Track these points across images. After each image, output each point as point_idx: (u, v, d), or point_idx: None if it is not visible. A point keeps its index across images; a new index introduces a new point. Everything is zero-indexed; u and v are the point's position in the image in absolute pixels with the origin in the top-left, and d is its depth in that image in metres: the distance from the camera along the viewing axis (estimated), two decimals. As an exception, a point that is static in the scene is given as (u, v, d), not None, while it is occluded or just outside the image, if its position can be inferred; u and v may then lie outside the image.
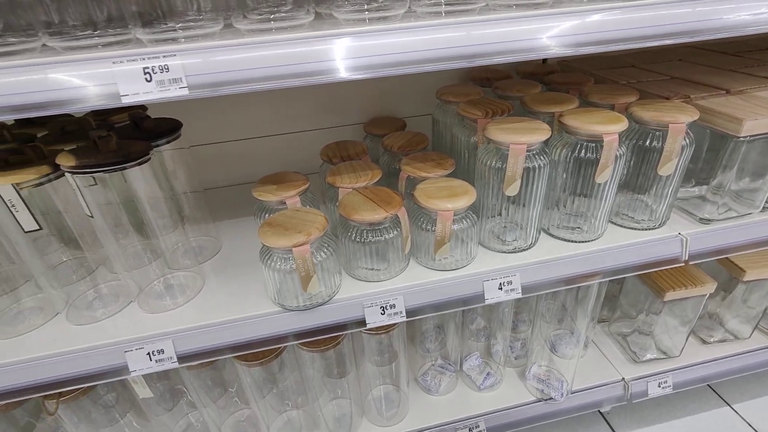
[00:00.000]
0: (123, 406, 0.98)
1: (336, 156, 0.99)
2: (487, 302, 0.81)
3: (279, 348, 0.85)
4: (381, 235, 0.77)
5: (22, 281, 0.82)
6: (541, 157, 0.78)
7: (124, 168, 0.62)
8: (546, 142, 0.79)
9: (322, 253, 0.73)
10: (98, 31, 0.55)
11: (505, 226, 0.88)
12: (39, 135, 0.79)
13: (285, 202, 0.84)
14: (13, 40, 0.54)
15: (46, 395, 0.78)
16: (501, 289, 0.81)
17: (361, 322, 0.78)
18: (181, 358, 0.73)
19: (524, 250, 0.86)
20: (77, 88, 0.48)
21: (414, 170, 0.88)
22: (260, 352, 0.82)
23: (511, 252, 0.86)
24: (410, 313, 0.79)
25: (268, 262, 0.72)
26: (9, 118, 0.48)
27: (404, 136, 1.04)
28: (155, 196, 0.77)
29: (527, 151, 0.75)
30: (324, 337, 0.81)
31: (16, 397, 0.71)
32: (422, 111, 1.28)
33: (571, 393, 1.10)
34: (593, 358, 1.21)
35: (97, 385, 0.82)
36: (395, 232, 0.78)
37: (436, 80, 1.20)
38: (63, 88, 0.48)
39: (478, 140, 0.88)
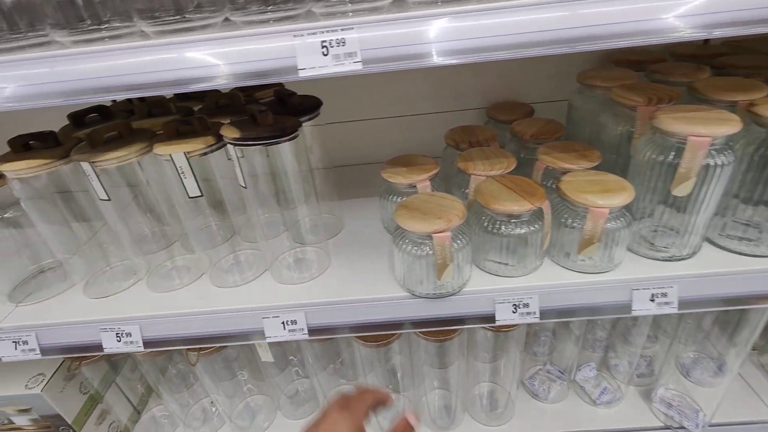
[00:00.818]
0: (241, 363, 1.06)
1: (463, 141, 0.94)
2: (633, 313, 0.72)
3: (397, 332, 0.84)
4: (519, 228, 0.72)
5: (173, 240, 0.90)
6: (724, 154, 0.66)
7: (282, 141, 0.63)
8: (731, 136, 0.67)
9: (458, 242, 0.69)
10: (270, 6, 0.55)
11: (655, 230, 0.77)
12: (196, 108, 0.85)
13: (415, 186, 0.82)
14: (196, 16, 0.56)
15: (189, 348, 0.86)
16: (653, 300, 0.72)
17: (490, 318, 0.74)
18: (311, 331, 0.75)
19: (682, 259, 0.75)
20: (261, 60, 0.49)
21: (554, 160, 0.80)
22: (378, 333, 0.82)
23: (666, 260, 0.75)
24: (544, 314, 0.73)
25: (402, 245, 0.71)
26: (223, 86, 0.51)
27: (536, 123, 0.97)
28: (293, 170, 0.79)
29: (710, 146, 0.64)
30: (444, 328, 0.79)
31: (165, 346, 0.79)
32: (551, 96, 1.17)
33: (709, 426, 0.96)
34: (736, 389, 1.04)
35: (232, 345, 0.88)
36: (535, 226, 0.72)
37: (566, 63, 1.09)
38: (248, 61, 0.50)
39: (637, 130, 0.77)
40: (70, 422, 0.93)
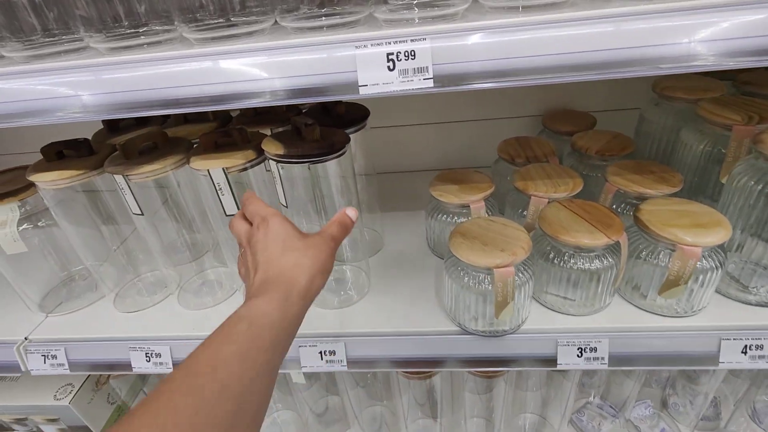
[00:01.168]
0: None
1: (519, 155, 0.85)
2: (721, 366, 0.63)
3: (443, 370, 0.77)
4: (590, 263, 0.63)
5: (205, 251, 0.86)
6: None
7: (330, 159, 0.57)
8: None
9: (521, 276, 0.61)
10: (325, 9, 0.48)
11: (752, 269, 0.67)
12: (234, 114, 0.80)
13: (468, 206, 0.75)
14: (241, 20, 0.50)
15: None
16: (745, 353, 0.62)
17: (551, 362, 0.66)
18: (350, 363, 0.69)
19: (780, 305, 0.65)
20: (314, 74, 0.43)
21: (628, 183, 0.71)
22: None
23: (759, 305, 0.65)
24: (614, 360, 0.64)
25: (455, 275, 0.63)
26: (269, 103, 0.44)
27: (601, 137, 0.87)
28: (336, 182, 0.72)
29: (835, 178, 0.53)
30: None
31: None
32: (614, 104, 1.07)
33: (787, 484, 0.85)
34: (817, 442, 0.93)
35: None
36: (609, 261, 0.63)
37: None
38: (298, 75, 0.43)
39: (731, 152, 0.67)
40: (97, 433, 0.91)
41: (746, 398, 0.91)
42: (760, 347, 0.61)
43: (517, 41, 0.40)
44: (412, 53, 0.41)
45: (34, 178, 0.63)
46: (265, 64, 0.44)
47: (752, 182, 0.60)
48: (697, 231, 0.59)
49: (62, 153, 0.67)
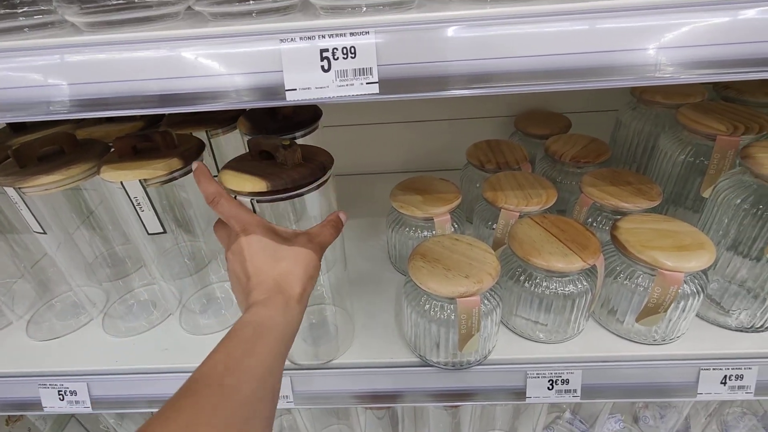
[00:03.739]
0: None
1: (490, 161, 0.79)
2: (699, 398, 0.58)
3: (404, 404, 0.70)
4: (563, 287, 0.57)
5: (138, 266, 0.75)
6: (840, 209, 0.51)
7: (313, 190, 0.48)
8: None
9: (488, 302, 0.55)
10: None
11: (725, 288, 0.62)
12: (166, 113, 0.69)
13: (432, 219, 0.67)
14: (151, 0, 0.40)
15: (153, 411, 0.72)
16: (725, 384, 0.57)
17: (519, 395, 0.59)
18: (298, 399, 0.61)
19: (759, 330, 0.60)
20: (222, 75, 0.33)
21: (604, 196, 0.65)
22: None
23: (739, 330, 0.61)
24: (587, 393, 0.59)
25: (415, 303, 0.56)
26: (158, 111, 0.35)
27: (576, 142, 0.81)
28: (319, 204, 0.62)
29: (827, 199, 0.48)
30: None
31: (120, 408, 0.65)
32: (591, 106, 1.01)
33: (756, 502, 0.84)
34: (783, 454, 0.91)
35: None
36: (583, 285, 0.57)
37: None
38: (201, 75, 0.34)
39: (714, 165, 0.62)
40: (15, 471, 0.80)
41: (717, 411, 0.89)
42: (740, 377, 0.57)
43: (490, 37, 0.32)
44: (352, 50, 0.32)
45: None
46: (164, 59, 0.35)
47: (738, 200, 0.55)
48: (680, 254, 0.53)
49: (-56, 158, 0.55)
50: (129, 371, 0.62)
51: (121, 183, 0.51)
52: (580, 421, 0.98)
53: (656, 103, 0.75)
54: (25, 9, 0.41)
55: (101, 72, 0.34)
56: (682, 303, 0.56)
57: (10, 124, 0.66)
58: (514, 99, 1.00)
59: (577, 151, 0.78)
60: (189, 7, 0.40)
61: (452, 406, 0.71)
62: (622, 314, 0.60)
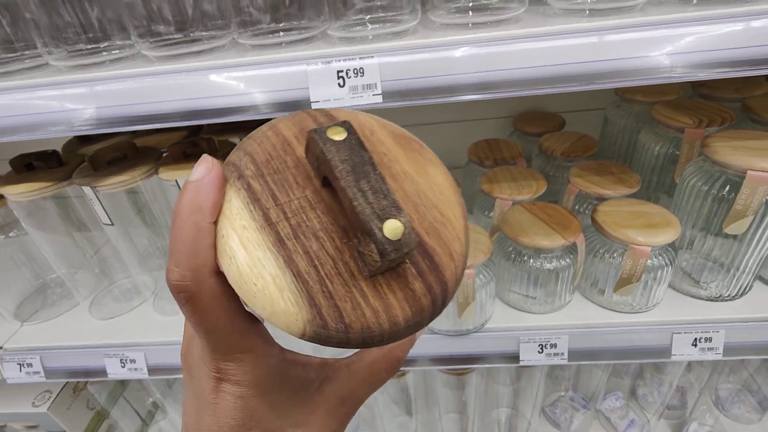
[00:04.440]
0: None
1: (488, 157, 0.88)
2: (673, 359, 0.66)
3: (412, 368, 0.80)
4: (548, 263, 0.66)
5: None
6: (788, 189, 0.59)
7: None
8: (796, 169, 0.59)
9: (482, 277, 0.64)
10: (282, 24, 0.50)
11: (702, 264, 0.70)
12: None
13: (435, 209, 0.77)
14: (203, 34, 0.51)
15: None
16: (695, 345, 0.65)
17: (513, 358, 0.68)
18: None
19: (729, 299, 0.68)
20: (262, 92, 0.44)
21: (588, 185, 0.74)
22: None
23: (710, 300, 0.68)
24: (573, 355, 0.67)
25: (420, 278, 0.66)
26: (221, 120, 0.45)
27: (567, 138, 0.89)
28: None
29: (772, 180, 0.56)
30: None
31: (171, 374, 0.76)
32: (582, 105, 1.09)
33: (746, 468, 0.90)
34: (776, 426, 0.97)
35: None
36: (566, 261, 0.66)
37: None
38: (244, 93, 0.44)
39: (683, 155, 0.70)
40: (77, 438, 0.92)
41: (709, 386, 0.95)
42: (708, 339, 0.65)
43: (458, 58, 0.42)
44: (361, 70, 0.43)
45: (2, 190, 0.64)
46: (221, 82, 0.46)
47: (700, 183, 0.63)
48: (648, 231, 0.62)
49: (32, 164, 0.68)
50: (177, 342, 0.73)
51: (176, 181, 0.62)
52: (582, 398, 1.05)
53: (636, 101, 0.83)
54: (106, 44, 0.52)
55: (178, 91, 0.45)
56: (653, 274, 0.64)
57: (77, 136, 0.78)
58: (513, 101, 1.09)
59: (568, 147, 0.86)
60: (233, 39, 0.51)
61: (457, 372, 0.80)
62: (603, 287, 0.68)
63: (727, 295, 0.67)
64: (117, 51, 0.52)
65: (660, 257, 0.64)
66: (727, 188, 0.60)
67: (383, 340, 0.20)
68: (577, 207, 0.77)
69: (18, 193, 0.64)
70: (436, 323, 0.68)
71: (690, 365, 1.01)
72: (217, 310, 0.20)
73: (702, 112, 0.71)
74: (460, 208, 0.23)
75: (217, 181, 0.20)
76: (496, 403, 1.02)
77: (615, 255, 0.65)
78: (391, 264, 0.19)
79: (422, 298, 0.20)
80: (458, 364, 0.70)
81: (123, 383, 1.02)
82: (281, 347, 0.24)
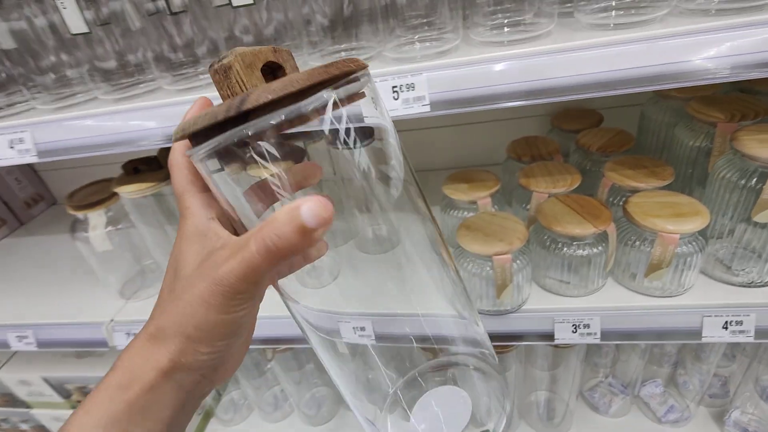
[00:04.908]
0: (308, 356, 1.15)
1: (525, 154, 0.94)
2: (704, 340, 0.70)
3: (456, 342, 0.88)
4: (581, 250, 0.72)
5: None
6: (817, 179, 0.62)
7: None
8: (826, 160, 0.62)
9: (519, 261, 0.71)
10: (344, 45, 0.60)
11: (734, 252, 0.73)
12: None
13: (476, 202, 0.85)
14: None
15: (264, 347, 0.96)
16: (726, 328, 0.69)
17: (548, 336, 0.75)
18: (378, 338, 0.81)
19: (761, 285, 0.71)
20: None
21: (622, 178, 0.79)
22: (440, 343, 0.86)
23: (742, 285, 0.72)
24: (606, 335, 0.73)
25: (462, 263, 0.74)
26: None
27: (604, 134, 0.94)
28: (357, 180, 0.84)
29: (799, 171, 0.60)
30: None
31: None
32: (623, 101, 1.12)
33: (790, 456, 0.91)
34: (825, 419, 0.97)
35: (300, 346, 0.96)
36: (599, 248, 0.71)
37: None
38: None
39: (716, 148, 0.74)
40: (167, 401, 1.08)
41: (751, 375, 0.96)
42: (739, 323, 0.68)
43: (492, 72, 0.50)
44: (412, 86, 0.52)
45: (118, 189, 0.79)
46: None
47: (730, 175, 0.67)
48: (677, 220, 0.66)
49: (137, 168, 0.82)
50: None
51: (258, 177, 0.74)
52: (622, 384, 1.09)
53: (672, 97, 0.86)
54: (201, 69, 0.64)
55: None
56: (685, 260, 0.68)
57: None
58: (551, 100, 1.14)
59: (604, 142, 0.91)
60: (304, 61, 0.61)
61: (497, 350, 0.87)
62: (635, 274, 0.73)
63: (759, 281, 0.70)
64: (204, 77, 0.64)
65: (690, 245, 0.68)
66: (755, 179, 0.64)
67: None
68: (611, 199, 0.82)
69: (129, 191, 0.78)
70: (476, 303, 0.76)
71: (734, 355, 1.02)
72: (183, 172, 0.31)
73: (735, 107, 0.74)
74: None
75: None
76: (534, 387, 1.08)
77: (645, 243, 0.70)
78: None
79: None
80: (497, 341, 0.77)
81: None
82: (213, 218, 0.31)
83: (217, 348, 0.29)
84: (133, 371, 0.29)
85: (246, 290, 0.27)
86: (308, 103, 0.26)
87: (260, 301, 0.31)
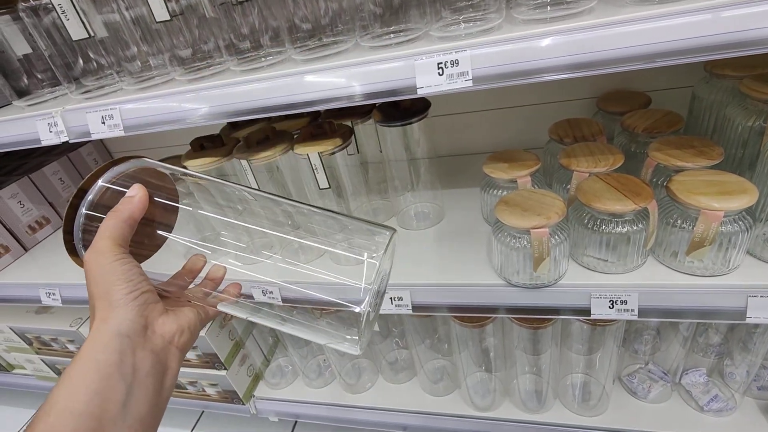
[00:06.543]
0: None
1: (568, 135, 0.95)
2: (748, 321, 0.69)
3: (492, 316, 0.91)
4: (621, 227, 0.73)
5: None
6: None
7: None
8: None
9: (556, 237, 0.73)
10: (393, 27, 0.64)
11: (785, 234, 0.71)
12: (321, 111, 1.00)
13: (515, 181, 0.87)
14: (330, 40, 0.68)
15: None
16: (773, 309, 0.68)
17: (585, 311, 0.77)
18: (414, 308, 0.85)
19: (815, 267, 0.69)
20: (385, 81, 0.59)
21: (666, 158, 0.78)
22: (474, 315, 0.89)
23: (794, 267, 0.70)
24: (644, 312, 0.74)
25: (500, 237, 0.77)
26: (356, 103, 0.62)
27: (650, 115, 0.93)
28: (401, 161, 0.89)
29: None
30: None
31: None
32: (672, 83, 1.10)
33: None
34: None
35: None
36: (639, 225, 0.72)
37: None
38: (375, 82, 0.60)
39: (769, 127, 0.72)
40: (222, 360, 1.18)
41: (805, 369, 0.93)
42: (787, 304, 0.67)
43: (532, 48, 0.53)
44: (456, 62, 0.55)
45: (187, 163, 0.88)
46: (351, 75, 0.62)
47: (781, 153, 0.66)
48: (722, 198, 0.66)
49: (203, 145, 0.91)
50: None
51: (307, 155, 0.80)
52: (662, 371, 1.07)
53: (726, 76, 0.84)
54: (264, 51, 0.71)
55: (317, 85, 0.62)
56: (728, 239, 0.68)
57: (229, 124, 1.01)
58: (596, 81, 1.13)
59: (650, 123, 0.90)
60: (356, 43, 0.66)
61: (533, 325, 0.89)
62: (677, 252, 0.73)
63: (812, 263, 0.69)
64: (271, 57, 0.71)
65: (736, 223, 0.68)
66: (809, 156, 0.62)
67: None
68: (655, 180, 0.82)
69: (197, 165, 0.87)
70: (514, 276, 0.78)
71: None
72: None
73: (793, 84, 0.71)
74: None
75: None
76: (570, 369, 1.09)
77: (688, 222, 0.70)
78: None
79: None
80: (533, 314, 0.80)
81: (252, 324, 1.28)
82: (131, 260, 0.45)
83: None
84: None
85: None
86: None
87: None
